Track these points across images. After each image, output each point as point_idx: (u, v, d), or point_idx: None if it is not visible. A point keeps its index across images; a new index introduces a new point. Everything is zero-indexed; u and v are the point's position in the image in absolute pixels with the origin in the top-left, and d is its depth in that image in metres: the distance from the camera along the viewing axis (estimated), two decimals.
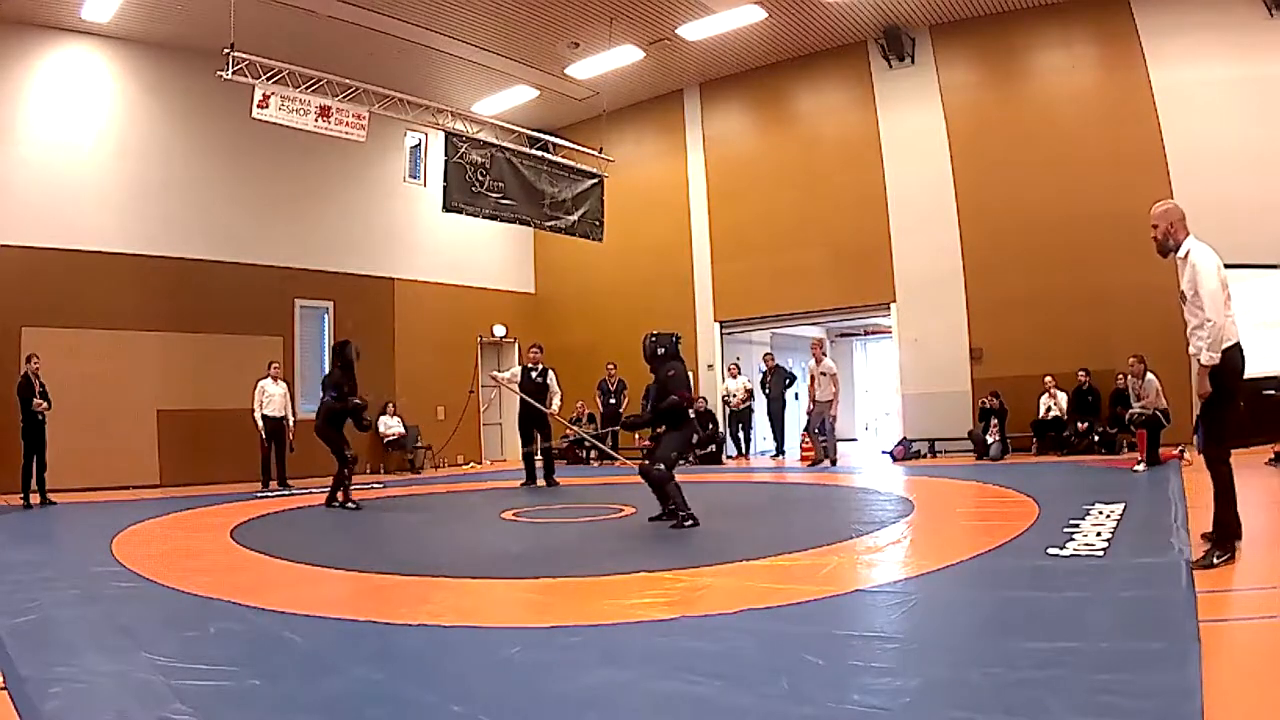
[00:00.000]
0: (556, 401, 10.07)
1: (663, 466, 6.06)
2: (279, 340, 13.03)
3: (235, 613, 3.84)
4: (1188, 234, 4.30)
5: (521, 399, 9.89)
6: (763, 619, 3.44)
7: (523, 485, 10.06)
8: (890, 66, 13.00)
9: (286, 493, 10.16)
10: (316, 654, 3.19)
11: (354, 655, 3.16)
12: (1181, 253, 4.27)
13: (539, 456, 9.98)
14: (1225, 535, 4.10)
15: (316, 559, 5.23)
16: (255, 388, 10.90)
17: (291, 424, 11.01)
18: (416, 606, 3.89)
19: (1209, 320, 4.08)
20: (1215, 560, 3.98)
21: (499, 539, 6.52)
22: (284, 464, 10.87)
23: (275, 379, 11.04)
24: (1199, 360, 4.15)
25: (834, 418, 12.15)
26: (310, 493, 10.28)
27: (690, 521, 5.96)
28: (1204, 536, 4.31)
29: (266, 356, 11.68)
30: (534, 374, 9.95)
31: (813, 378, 12.22)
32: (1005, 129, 12.35)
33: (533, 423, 9.98)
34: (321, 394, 8.40)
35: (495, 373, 10.85)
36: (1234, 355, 4.16)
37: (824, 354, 12.47)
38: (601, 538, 6.27)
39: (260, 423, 10.79)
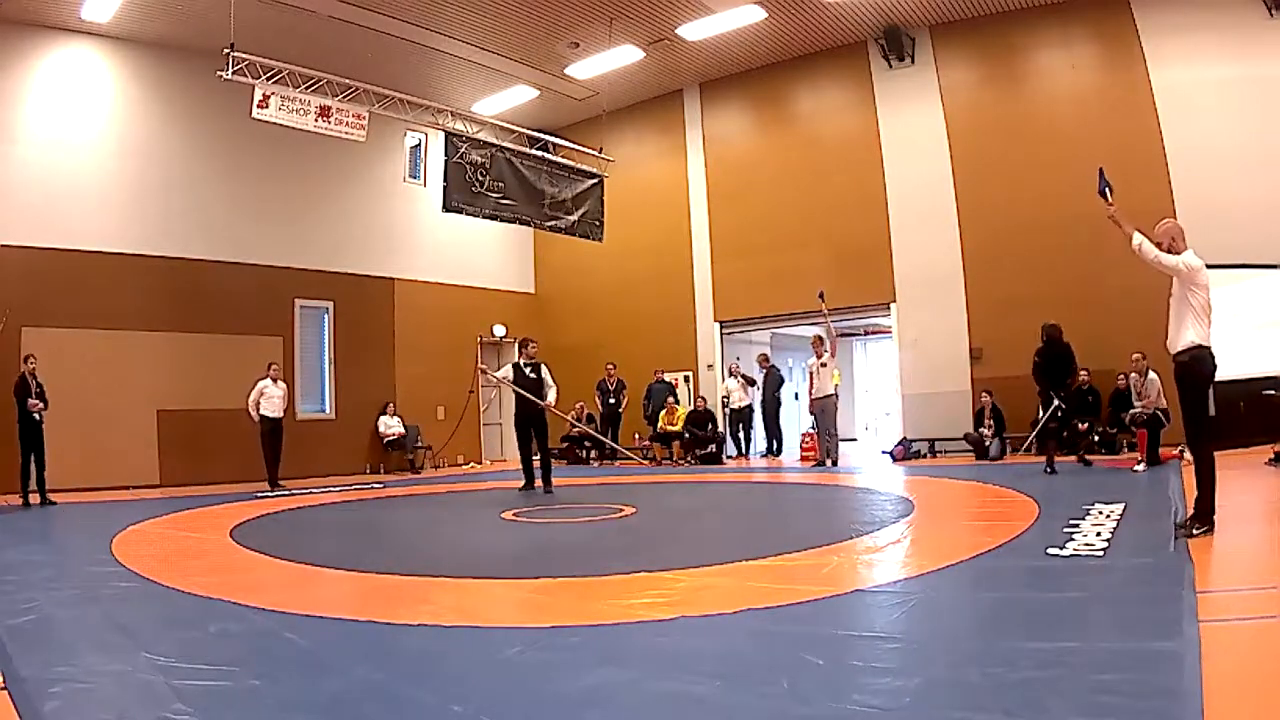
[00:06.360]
0: (553, 394, 9.66)
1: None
2: (279, 340, 13.03)
3: (235, 613, 3.83)
4: (1186, 247, 4.79)
5: (518, 394, 9.54)
6: (763, 619, 3.44)
7: (522, 489, 9.74)
8: (890, 66, 13.00)
9: (283, 493, 10.14)
10: (316, 654, 3.19)
11: (354, 655, 3.15)
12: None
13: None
14: (1204, 512, 4.59)
15: (316, 559, 5.23)
16: (254, 387, 10.96)
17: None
18: (416, 606, 3.89)
19: (1144, 253, 4.76)
20: (1195, 532, 4.47)
21: (499, 539, 6.51)
22: (275, 466, 10.93)
23: (275, 380, 11.11)
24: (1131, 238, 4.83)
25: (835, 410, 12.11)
26: (310, 493, 10.29)
27: None
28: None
29: (266, 356, 11.69)
30: (528, 370, 9.53)
31: (812, 373, 12.17)
32: (1005, 129, 12.34)
33: (530, 422, 9.60)
34: None
35: (484, 367, 10.98)
36: (1205, 356, 4.64)
37: (824, 349, 12.41)
38: (601, 538, 6.27)
39: (257, 419, 10.87)
